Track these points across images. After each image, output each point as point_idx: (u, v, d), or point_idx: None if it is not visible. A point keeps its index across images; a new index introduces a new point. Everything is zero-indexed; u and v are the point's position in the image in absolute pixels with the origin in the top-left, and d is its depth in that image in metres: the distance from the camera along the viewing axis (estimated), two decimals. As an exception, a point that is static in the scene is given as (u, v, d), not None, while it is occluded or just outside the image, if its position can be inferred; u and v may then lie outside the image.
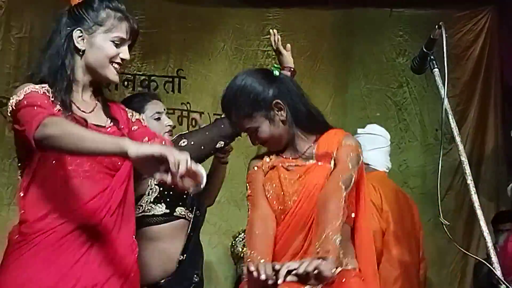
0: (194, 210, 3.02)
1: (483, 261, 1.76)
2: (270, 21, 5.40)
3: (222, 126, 2.81)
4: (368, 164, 3.41)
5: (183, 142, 2.81)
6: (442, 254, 4.50)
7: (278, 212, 2.25)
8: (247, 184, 2.38)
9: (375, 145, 3.73)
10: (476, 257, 1.67)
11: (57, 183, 2.05)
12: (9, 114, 2.09)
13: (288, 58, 2.93)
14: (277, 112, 2.26)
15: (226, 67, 5.30)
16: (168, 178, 1.74)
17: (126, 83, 5.15)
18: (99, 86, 2.30)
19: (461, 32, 5.36)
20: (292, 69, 2.88)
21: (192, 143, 2.80)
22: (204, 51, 5.32)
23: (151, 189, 2.88)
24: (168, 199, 2.93)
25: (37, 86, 2.07)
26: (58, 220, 2.03)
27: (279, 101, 2.25)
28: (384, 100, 5.41)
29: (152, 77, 5.25)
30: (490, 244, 1.70)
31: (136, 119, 2.36)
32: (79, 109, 2.15)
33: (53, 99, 2.07)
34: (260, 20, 5.42)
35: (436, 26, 1.92)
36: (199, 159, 2.70)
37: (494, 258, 1.68)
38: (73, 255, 2.01)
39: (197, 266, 3.03)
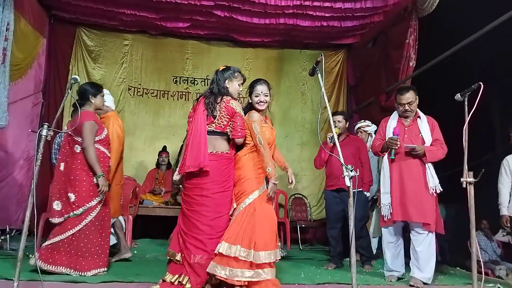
0: None
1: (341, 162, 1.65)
2: (247, 53, 5.27)
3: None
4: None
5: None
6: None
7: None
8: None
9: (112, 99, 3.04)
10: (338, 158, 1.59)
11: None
12: (233, 107, 2.12)
13: None
14: None
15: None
16: None
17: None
18: None
19: (330, 60, 5.29)
20: None
21: None
22: (215, 69, 5.12)
23: None
24: None
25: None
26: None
27: None
28: (295, 91, 5.34)
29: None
30: (338, 145, 1.76)
31: None
32: None
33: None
34: (243, 53, 5.27)
35: (320, 55, 1.82)
36: None
37: (340, 153, 1.70)
38: None
39: None
